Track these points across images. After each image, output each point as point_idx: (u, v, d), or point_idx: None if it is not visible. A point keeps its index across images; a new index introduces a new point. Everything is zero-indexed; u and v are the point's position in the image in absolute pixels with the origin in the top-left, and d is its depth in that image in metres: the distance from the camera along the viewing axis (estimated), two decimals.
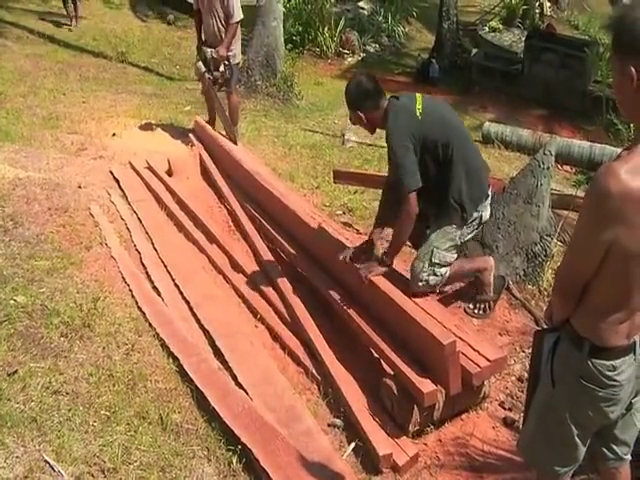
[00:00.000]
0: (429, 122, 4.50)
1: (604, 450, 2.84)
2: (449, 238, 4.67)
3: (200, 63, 8.20)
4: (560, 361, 2.63)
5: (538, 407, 2.81)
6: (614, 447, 2.83)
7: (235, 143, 8.13)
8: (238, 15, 8.04)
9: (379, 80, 4.67)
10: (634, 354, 2.52)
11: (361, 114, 4.65)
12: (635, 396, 2.67)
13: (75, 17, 15.01)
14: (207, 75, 8.18)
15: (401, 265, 5.00)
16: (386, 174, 5.08)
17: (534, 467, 3.04)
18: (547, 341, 2.71)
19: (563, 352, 2.61)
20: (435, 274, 4.69)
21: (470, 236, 4.83)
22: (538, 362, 2.80)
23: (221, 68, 8.16)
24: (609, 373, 2.49)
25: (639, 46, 2.20)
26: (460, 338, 4.16)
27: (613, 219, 2.23)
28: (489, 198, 4.74)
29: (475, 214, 4.65)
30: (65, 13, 14.98)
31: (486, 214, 4.77)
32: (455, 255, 4.80)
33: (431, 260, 4.67)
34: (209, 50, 8.09)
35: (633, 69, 2.21)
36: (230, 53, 8.15)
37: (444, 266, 4.72)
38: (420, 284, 4.65)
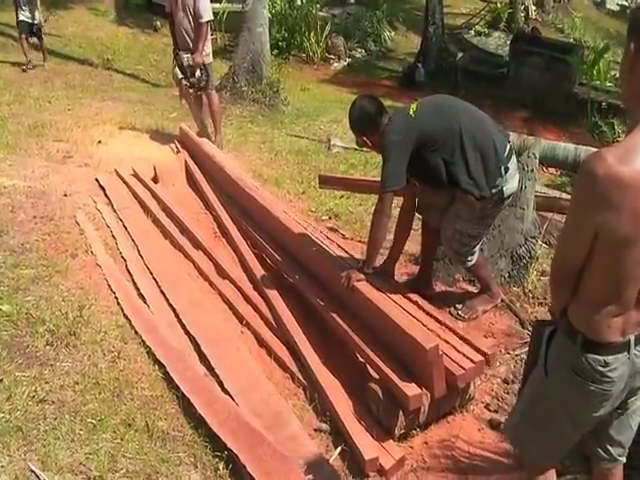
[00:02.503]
0: (423, 115, 4.55)
1: (599, 450, 2.85)
2: (469, 208, 4.69)
3: (177, 69, 8.34)
4: (555, 352, 2.65)
5: (529, 394, 2.85)
6: (609, 447, 2.83)
7: (209, 139, 8.33)
8: (208, 15, 8.23)
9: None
10: (628, 352, 2.52)
11: (365, 138, 4.69)
12: (631, 396, 2.68)
13: (42, 54, 13.26)
14: (184, 81, 8.29)
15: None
16: (371, 178, 5.10)
17: (515, 447, 3.06)
18: (545, 332, 2.73)
19: (558, 343, 2.64)
20: (462, 243, 4.83)
21: (491, 211, 4.79)
22: (535, 353, 2.82)
23: (197, 73, 8.28)
24: (601, 369, 2.49)
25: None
26: (445, 340, 4.18)
27: (600, 203, 2.25)
28: (509, 171, 4.65)
29: (494, 190, 4.62)
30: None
31: (508, 187, 4.68)
32: (477, 229, 4.83)
33: (455, 227, 4.79)
34: (185, 56, 8.21)
35: (632, 45, 2.28)
36: (203, 53, 8.26)
37: (470, 237, 4.82)
38: (450, 248, 4.96)
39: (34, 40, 12.98)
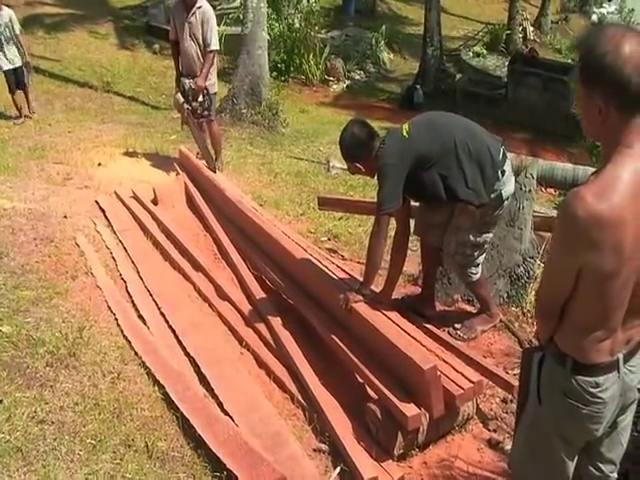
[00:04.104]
0: (417, 135, 4.53)
1: (591, 469, 2.85)
2: (470, 217, 4.69)
3: (179, 95, 8.36)
4: (546, 378, 2.65)
5: (526, 424, 2.84)
6: (600, 465, 2.84)
7: (214, 172, 8.19)
8: (215, 44, 8.23)
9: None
10: (618, 371, 2.53)
11: (359, 165, 4.67)
12: (621, 414, 2.69)
13: (26, 108, 11.07)
14: (185, 106, 8.30)
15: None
16: (370, 200, 5.09)
17: (514, 472, 3.06)
18: (535, 359, 2.73)
19: (548, 369, 2.64)
20: (465, 254, 4.81)
21: (491, 216, 4.78)
22: (527, 380, 2.82)
23: (199, 99, 8.28)
24: (592, 390, 2.51)
25: (606, 80, 2.23)
26: (444, 360, 4.20)
27: (582, 242, 2.28)
28: (505, 174, 4.65)
29: (493, 195, 4.62)
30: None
31: (507, 189, 4.69)
32: (479, 237, 4.80)
33: (457, 240, 4.78)
34: (187, 81, 8.23)
35: (601, 101, 2.26)
36: (209, 82, 8.31)
37: (472, 247, 4.80)
38: (453, 263, 4.92)
39: (19, 92, 11.01)
